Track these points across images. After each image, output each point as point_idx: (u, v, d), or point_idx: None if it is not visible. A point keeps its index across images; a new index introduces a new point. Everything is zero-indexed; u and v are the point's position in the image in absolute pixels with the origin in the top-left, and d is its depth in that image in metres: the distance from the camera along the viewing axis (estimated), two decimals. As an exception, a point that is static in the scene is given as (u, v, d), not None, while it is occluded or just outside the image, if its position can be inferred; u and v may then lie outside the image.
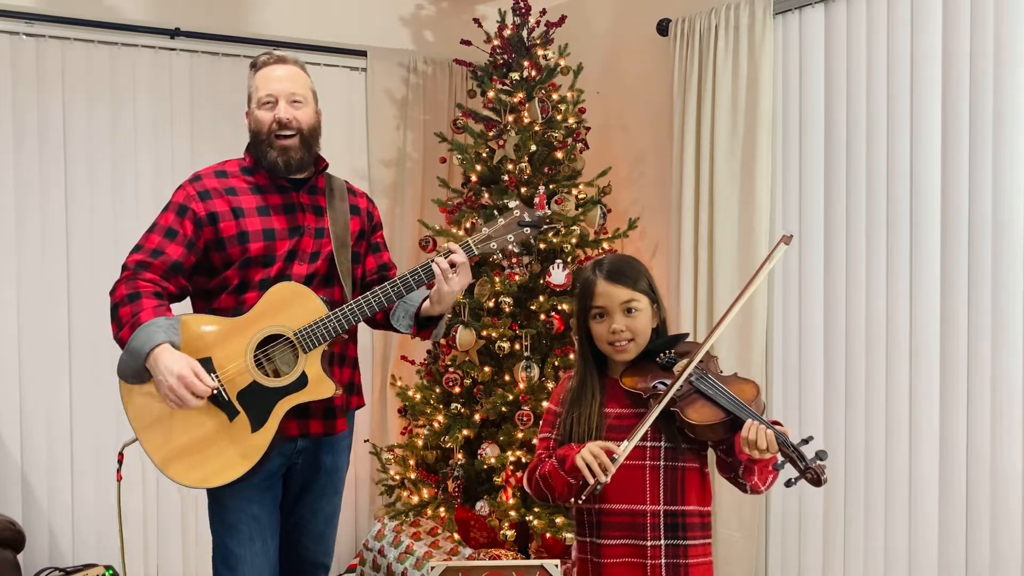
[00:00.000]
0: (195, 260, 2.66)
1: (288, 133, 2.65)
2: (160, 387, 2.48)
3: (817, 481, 2.05)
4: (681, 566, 2.23)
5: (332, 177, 2.82)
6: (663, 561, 2.23)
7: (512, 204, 2.62)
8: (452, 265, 2.56)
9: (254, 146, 2.72)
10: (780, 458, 2.09)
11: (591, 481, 2.13)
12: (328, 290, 2.70)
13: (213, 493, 2.72)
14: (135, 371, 2.52)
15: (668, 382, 2.22)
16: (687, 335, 2.40)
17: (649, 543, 2.23)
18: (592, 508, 2.28)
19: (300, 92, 2.69)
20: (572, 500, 2.21)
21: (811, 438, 2.12)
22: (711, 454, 2.33)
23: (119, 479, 3.41)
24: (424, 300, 2.67)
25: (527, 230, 2.58)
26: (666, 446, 2.24)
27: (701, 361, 2.25)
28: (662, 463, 2.24)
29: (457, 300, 4.10)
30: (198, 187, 2.68)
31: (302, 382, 2.56)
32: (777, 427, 2.12)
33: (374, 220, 2.89)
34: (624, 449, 2.14)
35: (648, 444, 2.23)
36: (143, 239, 2.65)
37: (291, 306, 2.58)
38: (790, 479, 2.08)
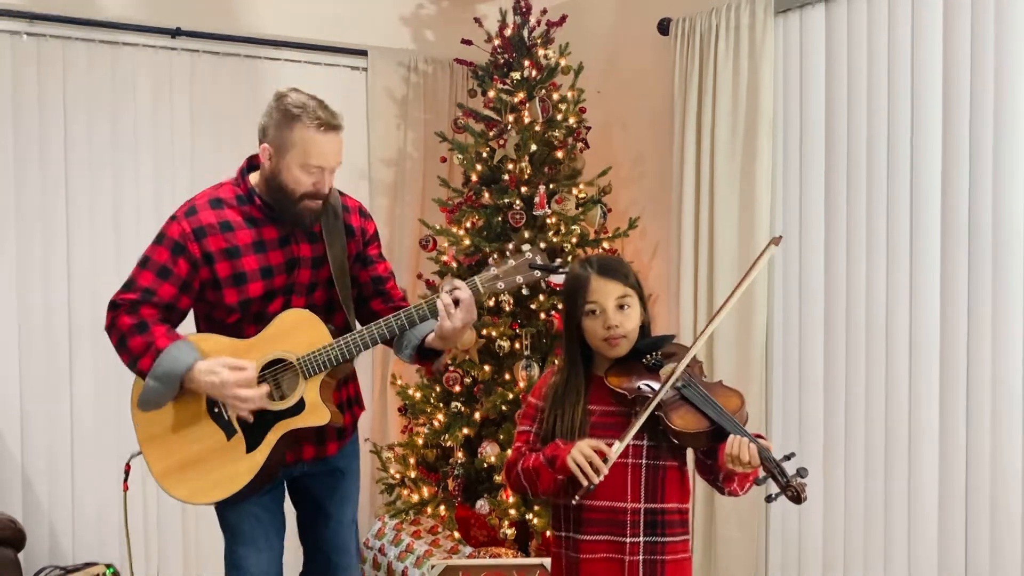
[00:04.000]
0: (190, 302, 2.65)
1: (319, 201, 2.60)
2: (215, 391, 2.53)
3: (797, 498, 2.06)
4: (659, 563, 2.25)
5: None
6: (641, 558, 2.24)
7: (525, 247, 2.63)
8: (456, 302, 2.53)
9: (276, 193, 2.60)
10: (762, 473, 2.10)
11: (584, 483, 2.13)
12: (329, 317, 2.69)
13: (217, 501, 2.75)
14: (165, 395, 2.55)
15: (653, 384, 2.23)
16: (673, 336, 2.41)
17: (628, 540, 2.25)
18: (573, 504, 2.28)
19: (341, 159, 2.64)
20: (575, 498, 2.20)
21: (793, 454, 2.13)
22: (690, 452, 2.34)
23: (125, 489, 3.44)
24: (429, 332, 2.65)
25: (537, 273, 2.56)
26: (648, 444, 2.25)
27: (688, 365, 2.25)
28: (644, 461, 2.26)
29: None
30: (193, 223, 2.60)
31: (299, 407, 2.59)
32: (760, 440, 2.13)
33: (367, 236, 2.82)
34: (615, 451, 2.15)
35: (631, 442, 2.24)
36: (135, 275, 2.61)
37: (298, 332, 2.59)
38: (770, 495, 2.09)
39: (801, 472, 2.07)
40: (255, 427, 2.58)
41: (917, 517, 3.42)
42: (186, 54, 4.43)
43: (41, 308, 4.17)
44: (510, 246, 3.98)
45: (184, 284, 2.59)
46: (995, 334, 3.19)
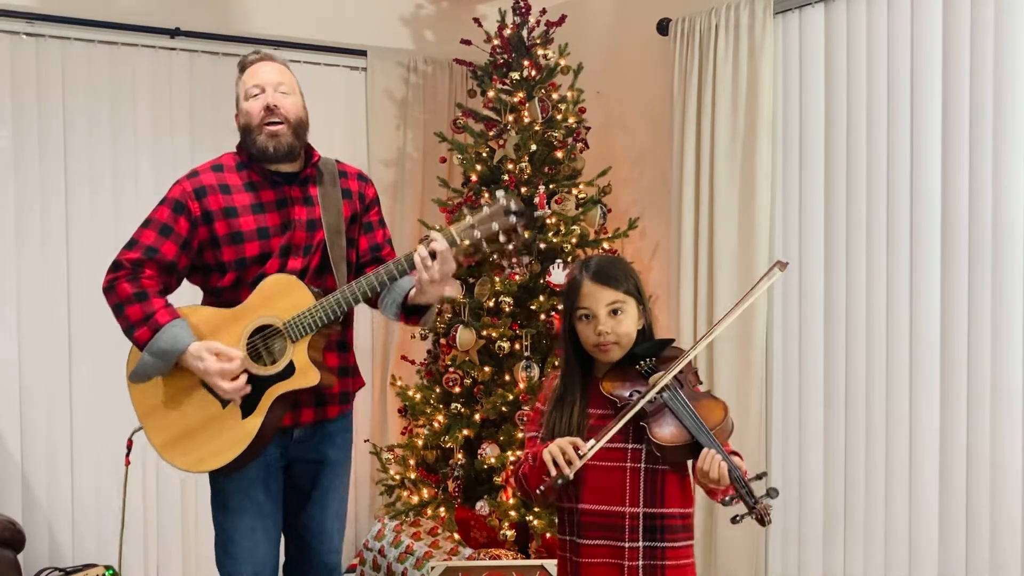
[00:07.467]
0: (188, 261, 2.70)
1: (276, 120, 2.68)
2: (200, 375, 2.59)
3: (761, 521, 2.05)
4: (659, 568, 2.23)
5: (321, 161, 2.82)
6: (640, 563, 2.23)
7: (499, 193, 2.59)
8: (433, 254, 2.53)
9: (245, 137, 2.74)
10: (731, 493, 2.09)
11: (553, 472, 2.13)
12: (324, 280, 2.72)
13: (215, 481, 2.77)
14: (160, 370, 2.60)
15: (642, 391, 2.21)
16: (672, 340, 2.38)
17: (627, 544, 2.23)
18: (573, 508, 2.29)
19: (287, 82, 2.75)
20: (540, 488, 2.19)
21: (764, 474, 2.11)
22: None
23: (127, 464, 3.48)
24: (413, 288, 2.67)
25: (513, 219, 2.51)
26: (647, 448, 2.23)
27: (682, 372, 2.23)
28: (642, 465, 2.24)
29: (457, 300, 4.15)
30: (194, 183, 2.70)
31: (289, 371, 2.61)
32: (734, 459, 2.12)
33: (367, 200, 2.88)
34: (590, 447, 2.14)
35: (629, 446, 2.23)
36: (138, 234, 2.68)
37: (282, 297, 2.62)
38: (735, 516, 2.07)
39: (771, 493, 2.06)
40: (249, 393, 2.61)
41: (917, 517, 3.42)
42: (185, 54, 4.43)
43: (41, 309, 4.16)
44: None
45: (185, 243, 2.66)
46: (995, 334, 3.19)
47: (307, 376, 2.60)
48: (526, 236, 3.99)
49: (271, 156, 2.69)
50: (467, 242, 2.54)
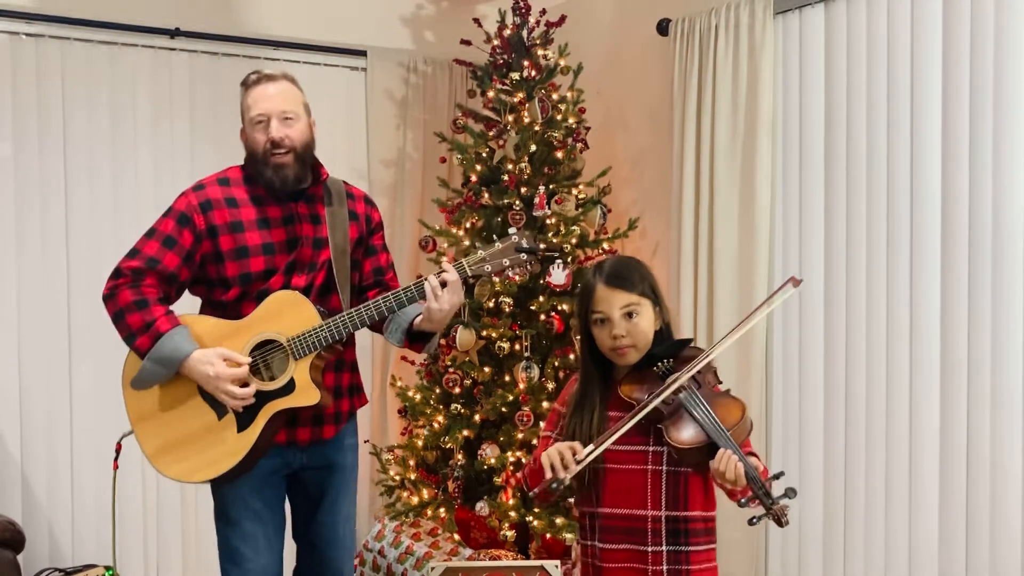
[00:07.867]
0: (190, 274, 2.69)
1: (282, 151, 2.66)
2: (207, 382, 2.58)
3: (779, 522, 2.04)
4: (683, 572, 2.20)
5: (329, 181, 2.82)
6: (664, 567, 2.20)
7: (512, 231, 2.64)
8: (443, 284, 2.57)
9: (251, 164, 2.73)
10: (748, 493, 2.08)
11: (548, 475, 2.11)
12: (326, 299, 2.72)
13: (216, 490, 2.77)
14: (161, 377, 2.60)
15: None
16: (691, 340, 2.36)
17: (650, 549, 2.20)
18: (594, 512, 2.26)
19: (291, 109, 2.69)
20: (534, 490, 2.19)
21: (782, 473, 2.09)
22: None
23: (115, 468, 3.46)
24: (418, 315, 2.68)
25: (523, 256, 2.59)
26: (667, 450, 2.21)
27: (700, 372, 2.21)
28: (664, 468, 2.21)
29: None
30: (200, 197, 2.68)
31: (289, 388, 2.60)
32: (751, 459, 2.09)
33: (372, 224, 2.88)
34: (588, 453, 2.12)
35: (650, 448, 2.21)
36: (141, 244, 2.66)
37: (288, 314, 2.62)
38: (752, 518, 2.06)
39: (789, 493, 2.05)
40: (246, 407, 2.60)
41: (917, 517, 3.42)
42: (185, 54, 4.43)
43: (41, 309, 4.16)
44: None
45: (188, 255, 2.66)
46: (995, 334, 3.19)
47: (307, 394, 2.60)
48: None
49: (278, 189, 2.69)
50: (477, 275, 2.63)
